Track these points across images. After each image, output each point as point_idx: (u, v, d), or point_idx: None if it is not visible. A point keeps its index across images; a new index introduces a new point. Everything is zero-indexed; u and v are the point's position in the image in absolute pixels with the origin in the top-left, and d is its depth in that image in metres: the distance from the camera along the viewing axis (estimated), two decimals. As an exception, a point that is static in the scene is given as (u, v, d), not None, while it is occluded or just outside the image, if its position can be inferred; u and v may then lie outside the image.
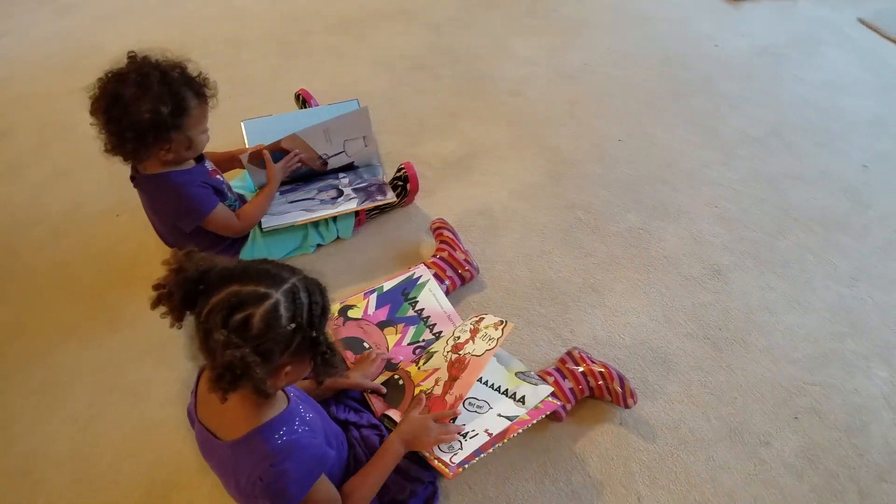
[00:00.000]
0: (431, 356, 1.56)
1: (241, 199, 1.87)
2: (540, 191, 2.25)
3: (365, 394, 1.50)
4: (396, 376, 1.53)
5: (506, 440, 1.36)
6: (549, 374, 1.61)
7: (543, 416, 1.42)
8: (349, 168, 2.06)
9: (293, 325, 1.00)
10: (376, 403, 1.48)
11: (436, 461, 1.31)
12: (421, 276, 1.77)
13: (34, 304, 1.87)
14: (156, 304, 1.03)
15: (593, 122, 2.59)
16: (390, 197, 1.96)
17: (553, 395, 1.48)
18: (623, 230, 2.14)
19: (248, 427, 1.06)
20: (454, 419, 1.39)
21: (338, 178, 2.03)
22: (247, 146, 1.98)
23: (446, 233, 1.90)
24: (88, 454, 1.55)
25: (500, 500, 1.48)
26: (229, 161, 1.91)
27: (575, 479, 1.52)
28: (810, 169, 2.48)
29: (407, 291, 1.75)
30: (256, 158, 1.87)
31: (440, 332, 1.66)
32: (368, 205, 1.94)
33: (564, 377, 1.60)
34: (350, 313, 1.70)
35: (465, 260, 1.85)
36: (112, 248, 1.97)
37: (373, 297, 1.74)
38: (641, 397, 1.66)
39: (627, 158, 2.42)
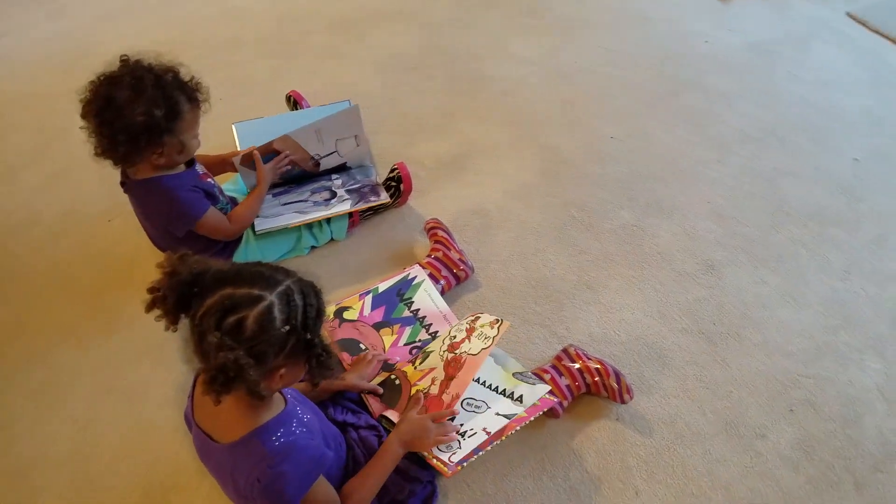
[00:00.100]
0: (428, 356, 1.56)
1: (233, 202, 1.87)
2: (534, 189, 2.26)
3: (362, 395, 1.51)
4: (393, 376, 1.54)
5: (504, 437, 1.36)
6: (546, 371, 1.61)
7: (541, 413, 1.42)
8: (342, 169, 2.06)
9: (287, 328, 1.00)
10: (374, 404, 1.48)
11: (434, 460, 1.32)
12: (416, 277, 1.78)
13: (33, 305, 1.87)
14: (150, 307, 1.03)
15: (588, 120, 2.59)
16: (384, 197, 1.97)
17: (550, 392, 1.49)
18: (617, 227, 2.15)
19: (246, 429, 1.07)
20: (452, 419, 1.39)
21: (330, 180, 2.03)
22: (238, 149, 1.98)
23: (441, 232, 1.90)
24: (87, 455, 1.55)
25: (498, 498, 1.48)
26: (220, 164, 1.92)
27: (573, 475, 1.53)
28: (803, 164, 2.49)
29: (402, 292, 1.75)
30: (248, 160, 1.87)
31: (436, 331, 1.67)
32: (362, 206, 1.94)
33: (561, 374, 1.61)
34: (345, 315, 1.71)
35: (460, 259, 1.85)
36: (109, 251, 1.97)
37: (368, 299, 1.74)
38: (637, 393, 1.66)
39: (621, 156, 2.43)
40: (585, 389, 1.62)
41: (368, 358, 1.57)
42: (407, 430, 1.34)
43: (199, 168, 1.75)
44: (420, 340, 1.65)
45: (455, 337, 1.56)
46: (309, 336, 1.04)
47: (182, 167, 1.68)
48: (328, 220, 1.95)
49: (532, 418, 1.40)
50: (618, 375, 1.61)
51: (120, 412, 1.62)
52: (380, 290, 1.76)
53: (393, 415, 1.45)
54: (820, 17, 3.42)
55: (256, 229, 1.84)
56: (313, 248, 1.97)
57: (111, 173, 1.66)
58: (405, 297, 1.74)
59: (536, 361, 1.73)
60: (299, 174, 2.01)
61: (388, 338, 1.65)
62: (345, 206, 1.92)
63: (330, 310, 1.69)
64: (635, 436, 1.62)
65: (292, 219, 1.87)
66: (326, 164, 2.01)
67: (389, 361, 1.61)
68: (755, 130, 2.62)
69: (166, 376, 1.67)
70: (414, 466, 1.36)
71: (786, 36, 3.24)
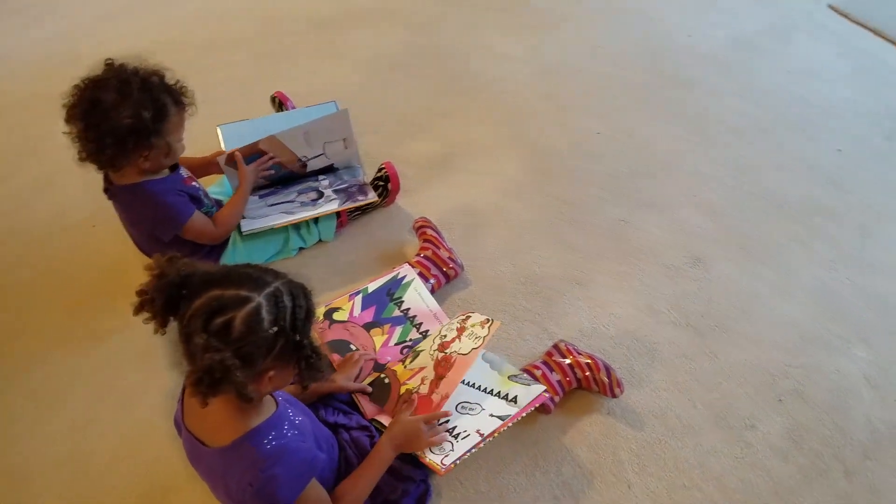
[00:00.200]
0: (418, 355, 1.56)
1: (219, 205, 1.85)
2: (521, 186, 2.26)
3: (354, 396, 1.51)
4: (383, 376, 1.54)
5: (496, 434, 1.37)
6: (537, 367, 1.62)
7: (532, 409, 1.43)
8: (329, 170, 2.05)
9: (275, 329, 1.00)
10: (366, 406, 1.48)
11: (427, 460, 1.32)
12: (406, 276, 1.78)
13: (24, 312, 1.85)
14: (138, 309, 1.02)
15: (573, 116, 2.60)
16: (371, 197, 1.96)
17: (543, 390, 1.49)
18: (605, 222, 2.16)
19: (237, 433, 1.06)
20: (447, 422, 1.40)
21: (317, 181, 2.03)
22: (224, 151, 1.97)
23: (429, 231, 1.90)
24: (86, 456, 1.53)
25: (491, 495, 1.49)
26: (204, 167, 1.91)
27: (565, 470, 1.54)
28: (788, 156, 2.51)
29: (392, 291, 1.75)
30: (233, 161, 1.86)
31: (427, 330, 1.67)
32: (350, 205, 1.93)
33: (552, 370, 1.61)
34: (335, 316, 1.70)
35: (450, 258, 1.85)
36: (94, 258, 1.95)
37: (358, 299, 1.74)
38: (628, 386, 1.67)
39: (607, 151, 2.44)
40: (576, 384, 1.63)
41: (355, 358, 1.57)
42: (399, 433, 1.34)
43: (184, 172, 1.74)
44: (411, 340, 1.65)
45: (445, 336, 1.56)
46: (298, 338, 1.04)
47: (166, 171, 1.67)
48: (316, 221, 1.94)
49: (524, 414, 1.40)
50: (608, 370, 1.62)
51: (118, 414, 1.61)
52: (369, 291, 1.75)
53: (385, 418, 1.45)
54: (802, 9, 3.45)
55: (243, 230, 1.83)
56: (301, 249, 1.97)
57: (94, 179, 1.65)
58: (395, 296, 1.74)
59: (527, 358, 1.73)
60: (286, 175, 2.00)
61: (378, 338, 1.65)
62: (332, 206, 1.92)
63: (319, 311, 1.68)
64: (627, 429, 1.63)
65: (279, 219, 1.87)
66: (313, 165, 2.01)
67: (380, 361, 1.61)
68: (740, 123, 2.64)
69: (162, 379, 1.65)
70: (406, 465, 1.36)
71: (768, 29, 3.27)
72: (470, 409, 1.43)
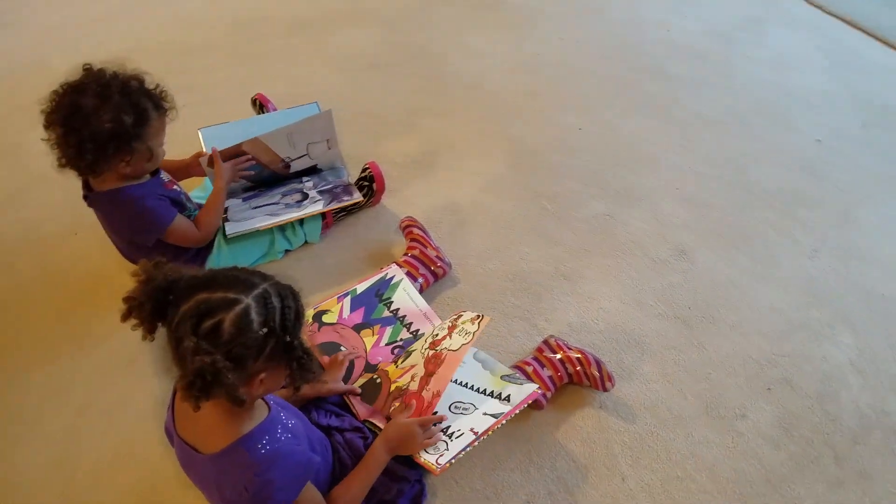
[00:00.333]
0: (410, 355, 1.55)
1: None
2: (505, 183, 2.26)
3: (345, 397, 1.49)
4: (375, 376, 1.53)
5: (490, 432, 1.36)
6: (528, 363, 1.62)
7: (525, 406, 1.42)
8: (312, 171, 2.04)
9: (265, 330, 0.99)
10: (359, 407, 1.47)
11: (422, 460, 1.31)
12: (394, 277, 1.77)
13: (10, 323, 1.80)
14: (126, 316, 1.01)
15: (553, 112, 2.61)
16: (357, 197, 1.95)
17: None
18: (589, 217, 2.16)
19: (230, 439, 1.05)
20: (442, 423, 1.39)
21: (301, 182, 2.01)
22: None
23: (416, 230, 1.89)
24: (69, 473, 1.50)
25: (487, 492, 1.48)
26: (185, 169, 1.88)
27: (560, 465, 1.54)
28: (767, 147, 2.54)
29: (381, 292, 1.74)
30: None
31: (417, 330, 1.66)
32: (335, 206, 1.92)
33: (543, 365, 1.61)
34: (325, 318, 1.69)
35: (437, 256, 1.85)
36: (75, 266, 1.92)
37: (346, 301, 1.73)
38: (619, 380, 1.68)
39: (588, 146, 2.45)
40: (568, 379, 1.63)
41: (340, 359, 1.56)
42: (394, 436, 1.33)
43: (164, 176, 1.72)
44: (402, 339, 1.64)
45: (437, 335, 1.55)
46: (288, 338, 1.03)
47: (147, 176, 1.65)
48: (301, 223, 1.93)
49: (517, 411, 1.40)
50: (599, 364, 1.62)
51: (99, 429, 1.58)
52: (358, 292, 1.74)
53: (378, 419, 1.44)
54: (776, 1, 3.48)
55: (228, 233, 1.81)
56: (287, 251, 1.95)
57: (73, 188, 1.62)
58: (384, 297, 1.73)
59: (518, 354, 1.73)
60: (269, 177, 1.98)
61: (369, 339, 1.64)
62: (317, 207, 1.90)
63: (308, 314, 1.67)
64: (619, 422, 1.63)
65: (264, 221, 1.85)
66: (297, 166, 1.99)
67: (371, 362, 1.59)
68: (718, 115, 2.67)
69: (143, 390, 1.63)
70: (401, 466, 1.35)
71: (743, 20, 3.30)
72: (464, 408, 1.43)
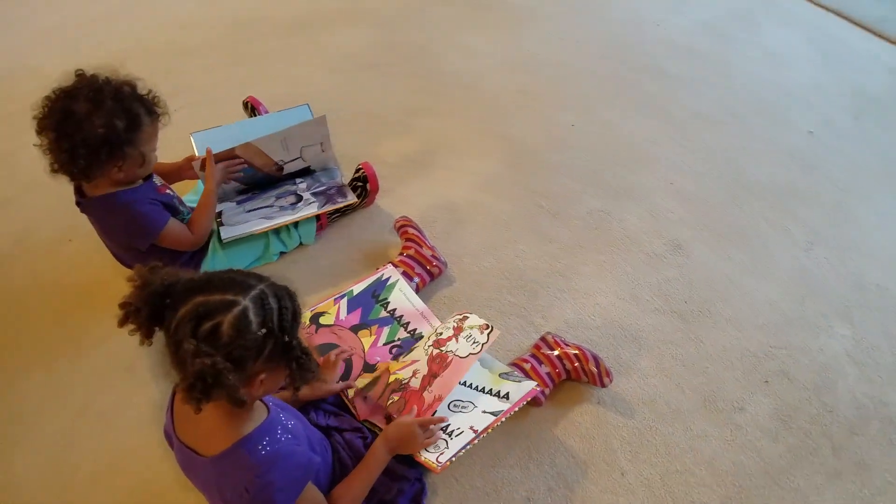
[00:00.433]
0: (412, 352, 1.56)
1: (196, 213, 1.83)
2: (499, 181, 2.26)
3: (346, 399, 1.49)
4: (376, 374, 1.53)
5: (490, 430, 1.36)
6: (526, 360, 1.62)
7: (524, 403, 1.43)
8: (306, 173, 2.04)
9: (264, 331, 0.99)
10: (358, 407, 1.47)
11: (422, 458, 1.32)
12: (390, 277, 1.76)
13: (6, 329, 1.79)
14: (123, 321, 1.01)
15: (545, 109, 2.61)
16: (351, 198, 1.95)
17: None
18: (584, 213, 2.16)
19: (230, 440, 1.05)
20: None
21: (295, 184, 2.01)
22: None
23: (411, 230, 1.89)
24: (65, 481, 1.50)
25: (487, 489, 1.48)
26: (177, 172, 1.88)
27: (559, 461, 1.54)
28: (760, 140, 2.54)
29: (377, 293, 1.74)
30: None
31: (415, 329, 1.66)
32: (329, 207, 1.92)
33: (541, 362, 1.62)
34: (322, 320, 1.69)
35: (433, 255, 1.85)
36: (67, 275, 1.91)
37: (343, 302, 1.73)
38: (616, 375, 1.68)
39: (582, 143, 2.45)
40: (566, 376, 1.63)
41: (332, 360, 1.55)
42: (394, 436, 1.33)
43: (157, 180, 1.72)
44: (399, 339, 1.64)
45: (441, 333, 1.55)
46: (287, 339, 1.03)
47: (139, 181, 1.64)
48: (296, 225, 1.92)
49: (516, 409, 1.41)
50: (596, 360, 1.62)
51: (96, 436, 1.57)
52: (354, 293, 1.74)
53: (378, 419, 1.44)
54: (766, -5, 3.50)
55: (223, 237, 1.81)
56: (283, 253, 1.95)
57: (66, 195, 1.62)
58: (380, 298, 1.73)
59: (515, 351, 1.73)
60: (262, 179, 1.98)
61: (366, 339, 1.64)
62: (312, 209, 1.90)
63: (305, 316, 1.67)
64: (617, 418, 1.64)
65: (259, 224, 1.85)
66: (290, 168, 1.99)
67: (369, 362, 1.59)
68: (711, 110, 2.67)
69: (139, 396, 1.62)
70: (401, 465, 1.36)
71: (735, 15, 3.31)
72: (462, 406, 1.43)
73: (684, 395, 1.70)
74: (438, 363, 1.47)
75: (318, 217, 1.94)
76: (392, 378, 1.48)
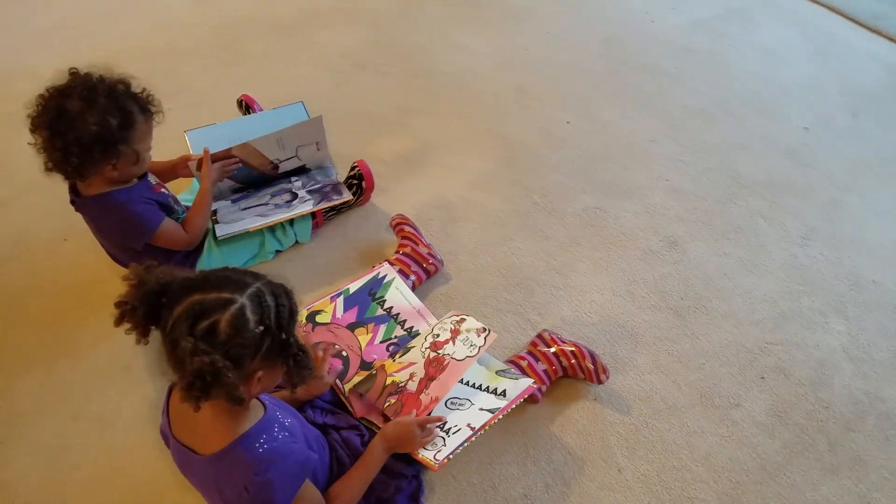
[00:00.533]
0: (409, 350, 1.56)
1: (191, 212, 1.83)
2: (495, 179, 2.26)
3: (342, 397, 1.49)
4: (373, 372, 1.53)
5: (487, 427, 1.36)
6: (522, 357, 1.62)
7: (521, 401, 1.43)
8: (301, 171, 2.03)
9: (261, 328, 0.99)
10: (355, 405, 1.47)
11: (420, 456, 1.32)
12: (386, 276, 1.76)
13: (2, 331, 1.79)
14: (119, 320, 1.00)
15: (540, 107, 2.61)
16: (346, 196, 1.94)
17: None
18: (579, 210, 2.16)
19: (228, 439, 1.05)
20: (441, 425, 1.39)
21: (290, 182, 2.00)
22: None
23: (407, 228, 1.89)
24: (62, 484, 1.49)
25: (484, 486, 1.48)
26: (172, 170, 1.87)
27: (556, 458, 1.54)
28: (755, 136, 2.55)
29: (374, 291, 1.73)
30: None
31: (412, 327, 1.66)
32: (325, 205, 1.91)
33: (537, 360, 1.62)
34: (318, 318, 1.68)
35: (429, 253, 1.85)
36: (63, 275, 1.90)
37: (340, 300, 1.72)
38: (613, 372, 1.68)
39: (577, 140, 2.45)
40: (562, 373, 1.63)
41: (320, 356, 1.51)
42: (392, 435, 1.33)
43: (152, 179, 1.71)
44: (396, 337, 1.64)
45: (438, 335, 1.55)
46: (284, 336, 1.03)
47: (134, 180, 1.64)
48: (291, 223, 1.92)
49: (513, 406, 1.41)
50: (593, 356, 1.62)
51: (91, 438, 1.56)
52: (351, 291, 1.73)
53: (375, 417, 1.44)
54: (760, -10, 3.50)
55: (218, 235, 1.80)
56: (278, 252, 1.94)
57: (61, 194, 1.61)
58: (377, 296, 1.72)
59: (512, 349, 1.73)
60: (257, 177, 1.97)
61: (363, 337, 1.64)
62: (307, 207, 1.90)
63: (302, 314, 1.66)
64: (614, 414, 1.64)
65: (254, 222, 1.84)
66: (285, 167, 1.98)
67: (366, 360, 1.59)
68: (705, 106, 2.67)
69: (135, 397, 1.62)
70: (398, 462, 1.35)
71: (728, 11, 3.31)
72: (459, 404, 1.43)
73: (680, 391, 1.71)
74: (435, 366, 1.47)
75: (313, 215, 1.94)
76: (389, 381, 1.47)
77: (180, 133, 1.99)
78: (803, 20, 3.30)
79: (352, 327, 1.66)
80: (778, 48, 3.07)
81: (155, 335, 1.02)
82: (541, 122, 2.52)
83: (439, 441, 1.33)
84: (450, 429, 1.37)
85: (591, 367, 1.61)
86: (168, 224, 1.66)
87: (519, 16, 3.16)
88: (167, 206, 1.70)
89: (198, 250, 1.81)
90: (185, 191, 1.98)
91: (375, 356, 1.60)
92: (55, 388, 1.66)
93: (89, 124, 1.42)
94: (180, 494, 1.43)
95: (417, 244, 1.85)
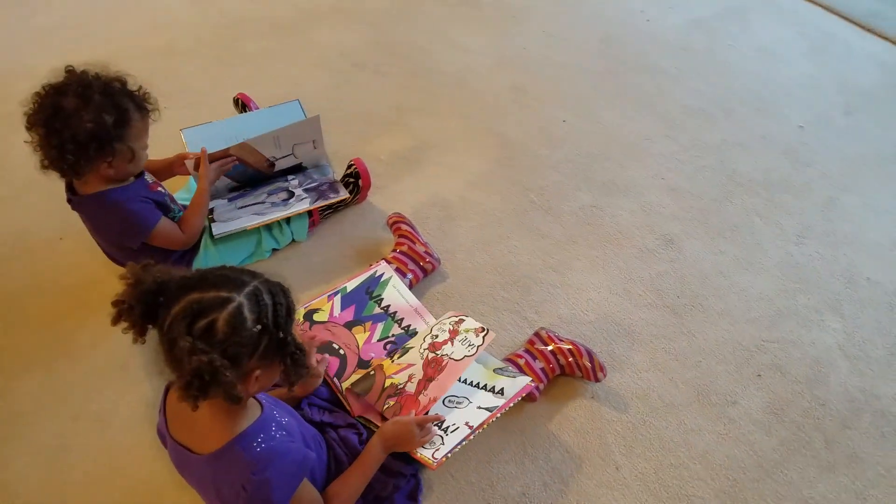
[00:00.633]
0: (407, 351, 1.55)
1: (188, 210, 1.82)
2: (492, 177, 2.26)
3: (340, 395, 1.49)
4: (371, 370, 1.53)
5: (485, 426, 1.37)
6: (520, 356, 1.62)
7: (519, 399, 1.43)
8: (298, 169, 2.03)
9: (259, 327, 0.99)
10: (353, 403, 1.47)
11: (418, 455, 1.32)
12: (383, 274, 1.76)
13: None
14: (116, 319, 1.00)
15: (537, 105, 2.61)
16: (343, 194, 1.94)
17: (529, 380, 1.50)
18: (576, 209, 2.16)
19: (225, 438, 1.04)
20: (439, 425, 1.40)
21: (287, 180, 2.00)
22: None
23: (404, 226, 1.89)
24: (60, 484, 1.49)
25: (482, 485, 1.48)
26: (168, 168, 1.86)
27: (554, 456, 1.54)
28: (750, 134, 2.55)
29: (371, 290, 1.73)
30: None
31: (409, 325, 1.66)
32: (322, 203, 1.91)
33: (535, 358, 1.62)
34: (315, 317, 1.68)
35: (426, 252, 1.85)
36: (62, 275, 1.90)
37: (337, 299, 1.72)
38: (610, 370, 1.68)
39: (573, 139, 2.45)
40: (560, 371, 1.64)
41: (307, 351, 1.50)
42: (391, 434, 1.33)
43: (148, 178, 1.70)
44: (394, 335, 1.64)
45: (437, 336, 1.55)
46: (281, 335, 1.03)
47: (131, 179, 1.63)
48: (288, 221, 1.92)
49: (511, 404, 1.41)
50: (590, 354, 1.63)
51: (90, 438, 1.56)
52: (348, 290, 1.73)
53: (373, 416, 1.44)
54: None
55: (214, 233, 1.80)
56: (275, 250, 1.94)
57: (57, 194, 1.61)
58: (374, 294, 1.72)
59: (509, 347, 1.73)
60: (254, 175, 1.97)
61: (360, 335, 1.64)
62: (304, 205, 1.89)
63: (299, 313, 1.66)
64: (611, 412, 1.64)
65: (251, 220, 1.84)
66: (282, 165, 1.98)
67: (363, 358, 1.59)
68: (701, 104, 2.68)
69: (132, 396, 1.62)
70: (396, 461, 1.36)
71: (724, 9, 3.31)
72: (457, 402, 1.44)
73: (677, 389, 1.71)
74: (434, 367, 1.48)
75: (310, 214, 1.94)
76: (388, 383, 1.47)
77: (178, 132, 1.98)
78: (802, 20, 3.30)
79: (349, 325, 1.66)
80: (776, 47, 3.07)
81: (152, 334, 1.01)
82: (538, 121, 2.52)
83: (437, 440, 1.33)
84: (448, 427, 1.37)
85: (588, 365, 1.61)
86: (165, 223, 1.66)
87: (518, 16, 3.15)
88: (164, 205, 1.70)
89: (194, 249, 1.80)
90: (181, 189, 1.97)
91: (373, 354, 1.60)
92: (55, 388, 1.65)
93: (85, 122, 1.41)
94: (178, 494, 1.43)
95: (414, 242, 1.85)
